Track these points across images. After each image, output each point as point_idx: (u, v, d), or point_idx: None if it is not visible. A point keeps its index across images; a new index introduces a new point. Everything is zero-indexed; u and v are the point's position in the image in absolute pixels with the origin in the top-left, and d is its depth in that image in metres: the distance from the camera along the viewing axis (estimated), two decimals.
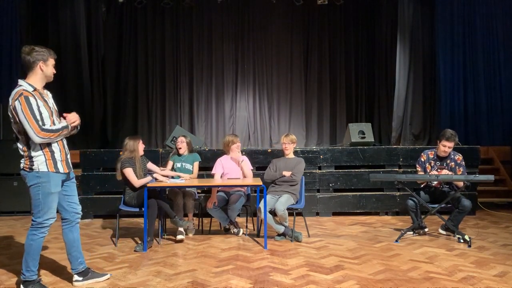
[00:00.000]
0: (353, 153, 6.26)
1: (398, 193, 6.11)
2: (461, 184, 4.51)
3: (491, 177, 4.21)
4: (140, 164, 4.51)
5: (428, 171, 4.69)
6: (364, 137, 6.63)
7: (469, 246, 4.17)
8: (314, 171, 6.17)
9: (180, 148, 5.08)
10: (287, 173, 4.66)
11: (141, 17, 8.80)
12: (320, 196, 6.11)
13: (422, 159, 4.78)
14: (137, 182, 4.41)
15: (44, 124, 2.86)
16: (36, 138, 2.83)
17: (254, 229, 5.09)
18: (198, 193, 5.28)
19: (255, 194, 5.08)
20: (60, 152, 3.01)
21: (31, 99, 2.84)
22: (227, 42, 8.92)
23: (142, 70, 8.76)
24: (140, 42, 8.75)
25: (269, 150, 6.29)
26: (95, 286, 3.14)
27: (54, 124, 2.96)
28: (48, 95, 3.07)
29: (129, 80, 8.72)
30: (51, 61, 3.00)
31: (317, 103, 8.93)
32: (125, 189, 4.58)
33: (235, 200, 4.70)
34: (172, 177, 4.74)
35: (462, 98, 8.10)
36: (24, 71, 2.97)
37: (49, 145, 2.94)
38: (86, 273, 3.21)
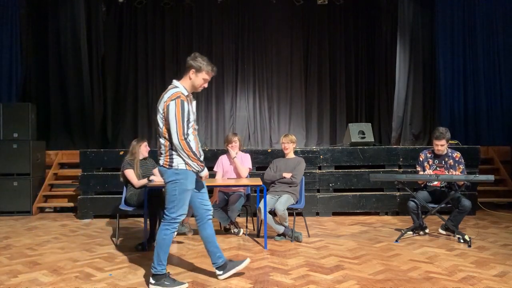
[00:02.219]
0: (353, 153, 6.26)
1: (398, 193, 6.11)
2: (461, 182, 4.52)
3: (491, 177, 4.22)
4: (138, 166, 4.52)
5: (427, 169, 4.70)
6: (364, 137, 6.63)
7: (469, 246, 4.17)
8: (314, 171, 6.17)
9: None
10: (287, 175, 4.66)
11: (141, 17, 8.79)
12: (320, 196, 6.11)
13: (421, 159, 4.79)
14: (137, 183, 4.43)
15: (187, 128, 3.03)
16: (175, 141, 2.97)
17: (254, 229, 5.09)
18: None
19: (255, 194, 5.08)
20: (197, 150, 3.10)
21: (186, 105, 2.99)
22: (227, 42, 8.91)
23: (142, 70, 8.75)
24: (140, 42, 8.74)
25: (269, 150, 6.30)
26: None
27: (195, 127, 3.14)
28: (193, 102, 3.18)
29: (129, 80, 8.72)
30: (204, 75, 3.08)
31: (317, 103, 8.93)
32: (126, 187, 4.58)
33: (234, 201, 4.70)
34: None
35: (462, 98, 8.10)
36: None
37: (189, 143, 3.03)
38: (224, 266, 3.24)
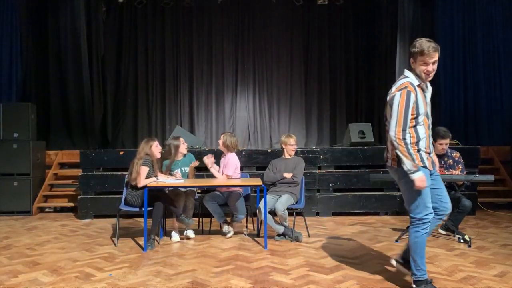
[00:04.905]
0: (353, 153, 6.26)
1: (398, 193, 6.10)
2: (461, 181, 4.53)
3: (491, 177, 4.22)
4: (155, 167, 4.53)
5: None
6: (364, 137, 6.63)
7: (469, 246, 4.17)
8: (314, 171, 6.17)
9: (186, 149, 5.09)
10: (288, 175, 4.66)
11: (141, 17, 8.79)
12: (320, 196, 6.11)
13: None
14: (142, 181, 4.39)
15: (416, 123, 2.80)
16: (392, 134, 2.77)
17: (254, 229, 5.09)
18: (198, 193, 5.28)
19: (255, 194, 5.08)
20: (426, 145, 2.86)
21: (412, 97, 2.76)
22: (227, 42, 8.92)
23: (142, 70, 8.76)
24: (140, 42, 8.75)
25: (269, 150, 6.29)
26: None
27: (427, 120, 2.85)
28: (428, 89, 2.90)
29: (129, 80, 8.72)
30: (421, 59, 2.76)
31: (317, 103, 8.93)
32: (127, 188, 4.57)
33: (234, 200, 4.67)
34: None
35: (462, 98, 8.09)
36: None
37: (417, 142, 2.82)
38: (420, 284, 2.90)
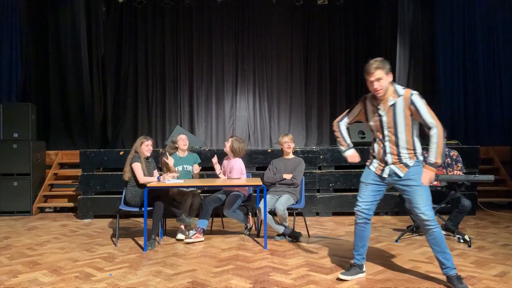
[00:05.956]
0: None
1: (398, 193, 6.11)
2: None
3: (491, 177, 4.22)
4: (144, 165, 4.53)
5: None
6: (364, 137, 6.63)
7: (469, 246, 4.17)
8: (314, 171, 6.17)
9: (185, 145, 5.05)
10: (287, 176, 4.65)
11: (141, 17, 8.80)
12: (320, 196, 6.12)
13: None
14: (142, 178, 4.41)
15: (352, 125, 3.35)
16: None
17: (254, 229, 5.09)
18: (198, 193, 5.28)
19: (255, 194, 5.08)
20: (377, 155, 3.18)
21: (356, 106, 3.26)
22: (227, 42, 8.93)
23: (142, 70, 8.77)
24: (140, 42, 8.76)
25: (269, 150, 6.29)
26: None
27: (381, 135, 3.13)
28: (385, 107, 3.05)
29: (129, 80, 8.73)
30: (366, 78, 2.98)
31: (317, 103, 8.94)
32: (126, 188, 4.56)
33: (229, 200, 4.64)
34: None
35: (462, 98, 8.10)
36: None
37: (373, 153, 3.22)
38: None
